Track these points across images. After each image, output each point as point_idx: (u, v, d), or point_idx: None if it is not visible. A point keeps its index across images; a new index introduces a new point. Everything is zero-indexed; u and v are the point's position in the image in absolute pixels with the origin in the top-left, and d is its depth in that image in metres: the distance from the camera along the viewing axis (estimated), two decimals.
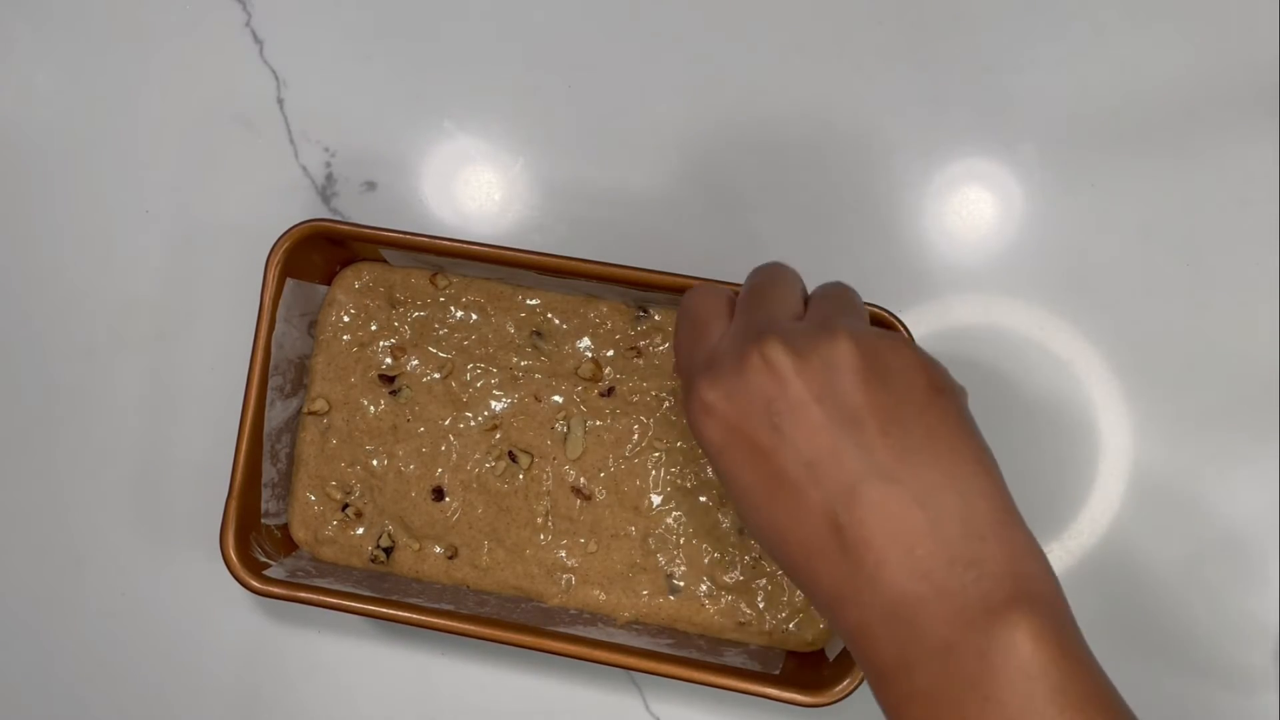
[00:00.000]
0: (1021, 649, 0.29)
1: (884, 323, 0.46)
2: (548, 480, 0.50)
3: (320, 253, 0.50)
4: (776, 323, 0.35)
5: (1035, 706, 0.29)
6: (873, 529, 0.31)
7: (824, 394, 0.32)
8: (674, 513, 0.50)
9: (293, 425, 0.51)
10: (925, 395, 0.33)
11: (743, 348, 0.34)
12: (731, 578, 0.49)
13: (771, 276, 0.38)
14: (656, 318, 0.50)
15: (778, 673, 0.47)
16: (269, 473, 0.49)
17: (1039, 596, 0.31)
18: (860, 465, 0.32)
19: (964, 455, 0.33)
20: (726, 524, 0.49)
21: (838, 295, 0.37)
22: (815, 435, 0.32)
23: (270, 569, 0.48)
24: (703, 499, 0.50)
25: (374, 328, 0.51)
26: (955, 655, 0.30)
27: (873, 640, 0.31)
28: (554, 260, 0.47)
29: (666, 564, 0.49)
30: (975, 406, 0.52)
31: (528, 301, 0.51)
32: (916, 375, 0.33)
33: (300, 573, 0.49)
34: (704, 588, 0.49)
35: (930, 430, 0.32)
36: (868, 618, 0.31)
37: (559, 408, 0.50)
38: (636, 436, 0.50)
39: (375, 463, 0.51)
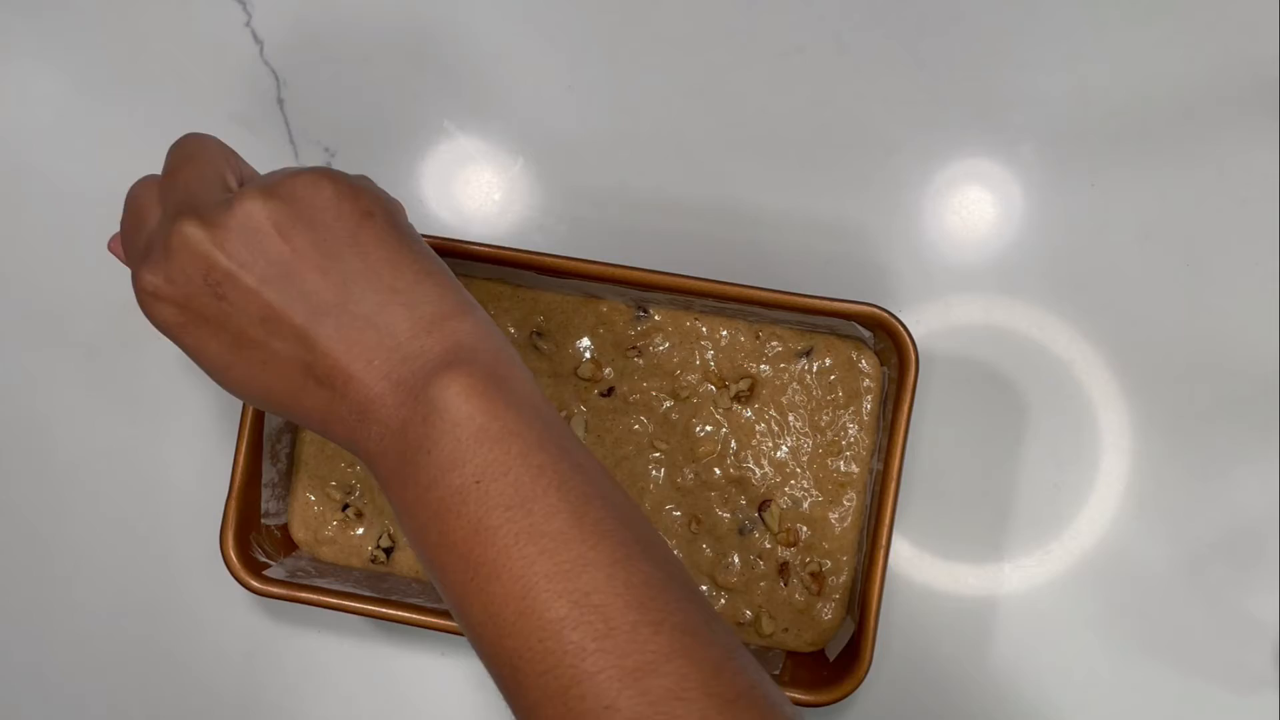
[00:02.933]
0: (450, 404, 0.33)
1: (884, 323, 0.46)
2: None
3: None
4: (195, 201, 0.36)
5: (460, 446, 0.33)
6: (336, 357, 0.34)
7: (252, 256, 0.34)
8: (674, 513, 0.50)
9: (293, 425, 0.51)
10: (352, 223, 0.35)
11: (167, 230, 0.35)
12: (731, 578, 0.49)
13: (181, 154, 0.39)
14: (656, 318, 0.50)
15: (777, 673, 0.47)
16: (269, 473, 0.49)
17: (470, 361, 0.34)
18: (307, 309, 0.34)
19: (403, 269, 0.35)
20: (727, 523, 0.49)
21: (270, 173, 0.38)
22: (258, 296, 0.35)
23: (270, 569, 0.48)
24: (703, 498, 0.50)
25: None
26: (409, 426, 0.34)
27: (359, 441, 0.35)
28: (554, 260, 0.47)
29: None
30: (975, 405, 0.52)
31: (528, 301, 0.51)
32: (340, 205, 0.35)
33: (300, 573, 0.49)
34: (704, 588, 0.49)
35: (365, 255, 0.35)
36: (350, 426, 0.35)
37: (559, 407, 0.50)
38: (637, 436, 0.50)
39: None
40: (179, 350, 0.56)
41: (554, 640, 0.31)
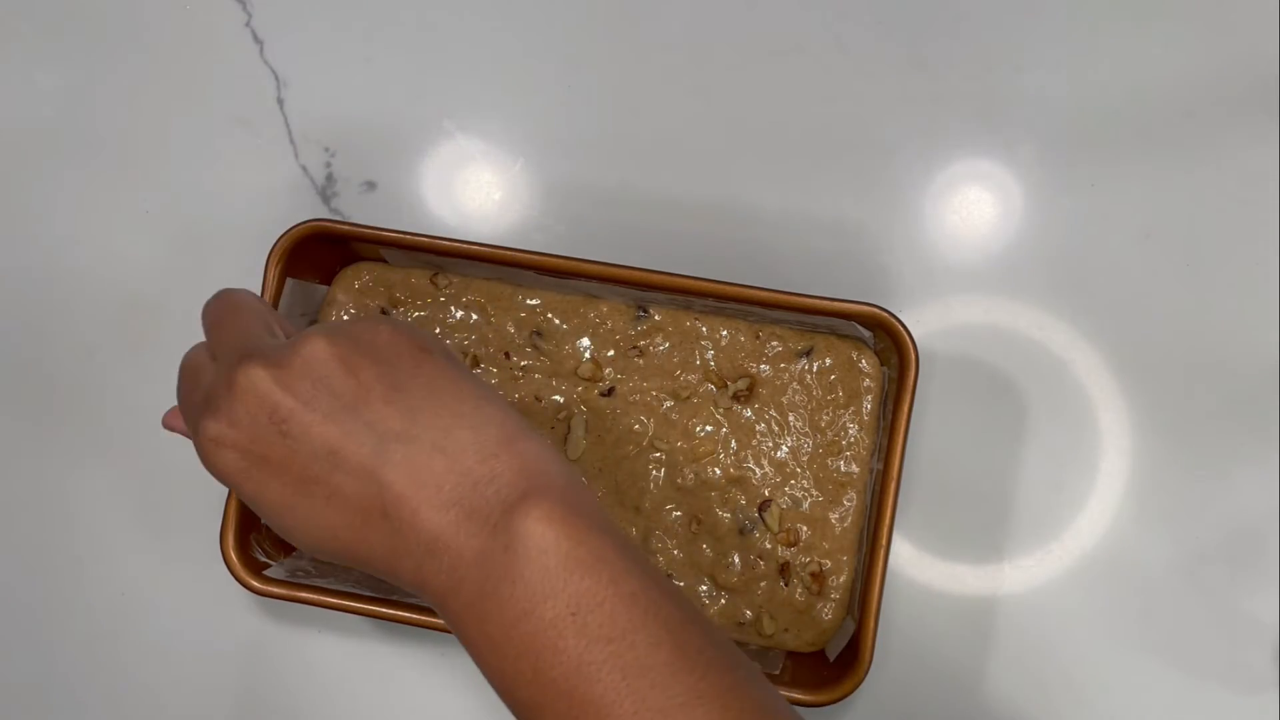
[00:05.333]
0: (534, 531, 0.32)
1: (884, 323, 0.46)
2: None
3: (320, 253, 0.50)
4: (251, 345, 0.36)
5: (550, 576, 0.32)
6: (403, 485, 0.33)
7: (316, 392, 0.34)
8: (674, 513, 0.50)
9: None
10: (413, 358, 0.35)
11: (228, 376, 0.35)
12: (732, 578, 0.49)
13: (224, 305, 0.39)
14: (656, 318, 0.50)
15: (777, 672, 0.47)
16: None
17: (547, 487, 0.33)
18: (373, 438, 0.34)
19: (466, 396, 0.35)
20: (727, 523, 0.49)
21: (320, 324, 0.39)
22: (322, 430, 0.34)
23: (270, 569, 0.48)
24: (703, 498, 0.50)
25: None
26: (488, 557, 0.33)
27: (428, 577, 0.34)
28: (554, 260, 0.47)
29: (666, 564, 0.49)
30: (975, 405, 0.52)
31: (528, 301, 0.51)
32: (399, 343, 0.35)
33: (300, 573, 0.49)
34: (704, 588, 0.49)
35: (430, 385, 0.35)
36: (418, 561, 0.34)
37: (559, 407, 0.50)
38: (637, 436, 0.50)
39: None
40: (178, 351, 0.56)
41: None
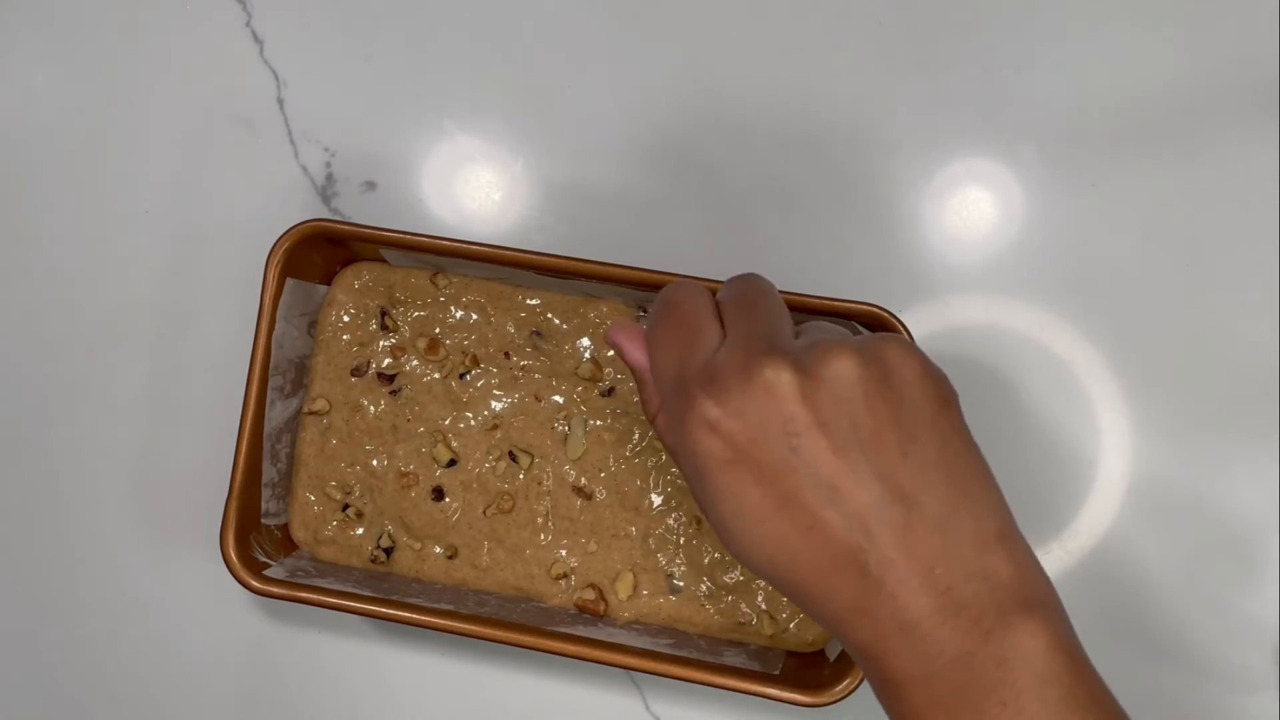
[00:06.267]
0: (1037, 655, 0.31)
1: (884, 323, 0.46)
2: (548, 480, 0.50)
3: (320, 253, 0.50)
4: (779, 337, 0.34)
5: (1049, 711, 0.30)
6: (895, 551, 0.31)
7: (836, 416, 0.32)
8: (674, 513, 0.50)
9: (293, 425, 0.51)
10: (934, 407, 0.33)
11: (748, 364, 0.33)
12: (731, 578, 0.49)
13: (758, 288, 0.37)
14: None
15: (777, 673, 0.47)
16: (269, 473, 0.49)
17: (1045, 603, 0.32)
18: (880, 489, 0.32)
19: (973, 472, 0.33)
20: None
21: (828, 326, 0.37)
22: (832, 460, 0.32)
23: (270, 569, 0.48)
24: None
25: (374, 327, 0.51)
26: (973, 664, 0.31)
27: (886, 654, 0.32)
28: (554, 260, 0.47)
29: (666, 564, 0.50)
30: (975, 406, 0.52)
31: (528, 301, 0.51)
32: (925, 386, 0.33)
33: (300, 573, 0.49)
34: (704, 588, 0.49)
35: (942, 445, 0.33)
36: (883, 632, 0.32)
37: (559, 407, 0.50)
38: (637, 436, 0.50)
39: (375, 463, 0.51)
40: (178, 350, 0.56)
41: None
